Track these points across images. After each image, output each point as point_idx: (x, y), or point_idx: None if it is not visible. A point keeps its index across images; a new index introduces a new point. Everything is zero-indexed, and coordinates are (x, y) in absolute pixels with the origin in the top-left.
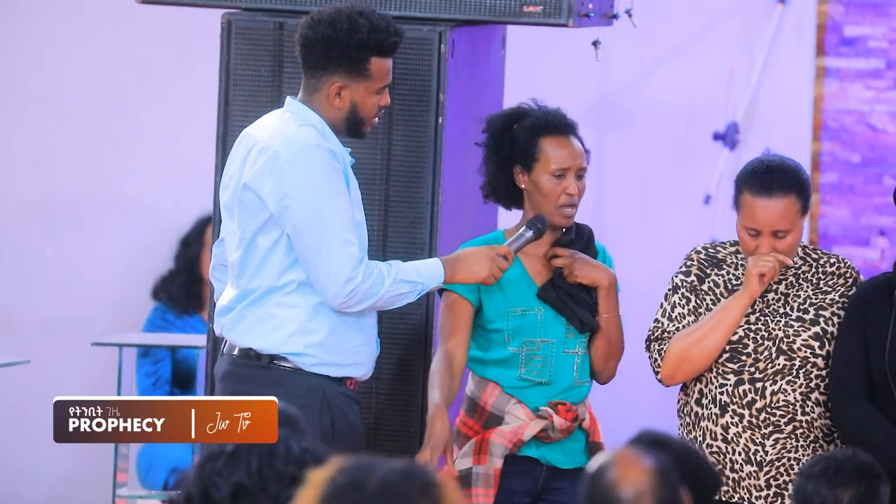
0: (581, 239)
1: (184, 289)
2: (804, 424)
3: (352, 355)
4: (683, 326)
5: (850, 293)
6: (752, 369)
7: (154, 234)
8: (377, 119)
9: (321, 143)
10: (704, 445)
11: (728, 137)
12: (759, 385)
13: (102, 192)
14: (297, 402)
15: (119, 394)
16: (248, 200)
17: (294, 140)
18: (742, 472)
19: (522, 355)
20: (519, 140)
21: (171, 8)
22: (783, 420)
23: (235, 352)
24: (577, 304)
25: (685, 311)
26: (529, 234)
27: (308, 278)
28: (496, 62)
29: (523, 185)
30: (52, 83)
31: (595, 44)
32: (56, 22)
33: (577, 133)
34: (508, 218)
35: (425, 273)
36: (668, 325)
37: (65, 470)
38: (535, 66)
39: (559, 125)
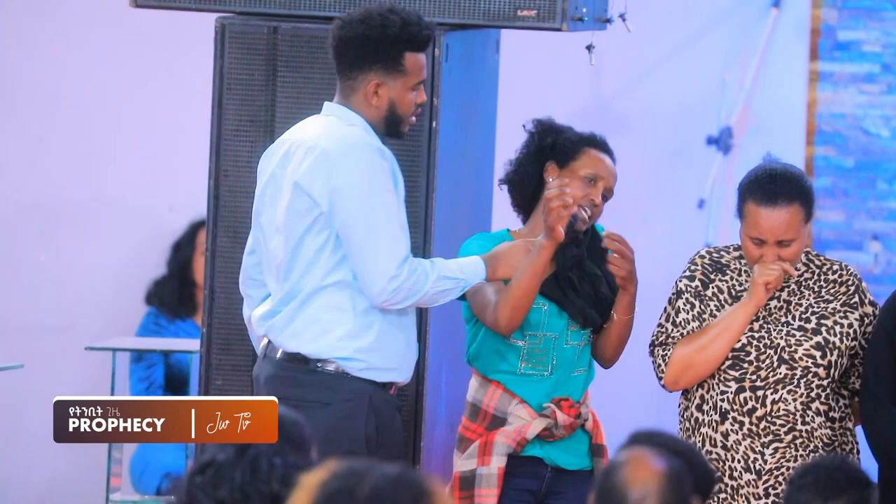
0: (586, 235)
1: (175, 293)
2: (804, 434)
3: (396, 360)
4: (687, 332)
5: (851, 301)
6: (754, 377)
7: (147, 238)
8: (415, 118)
9: (371, 142)
10: (704, 451)
11: (722, 142)
12: (759, 393)
13: (96, 196)
14: (344, 407)
15: None
16: (298, 200)
17: (343, 138)
18: (741, 479)
19: (524, 349)
20: (564, 141)
21: (165, 12)
22: (783, 429)
23: (279, 355)
24: (582, 298)
25: (689, 317)
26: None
27: (355, 278)
28: (490, 66)
29: (550, 179)
30: (46, 87)
31: (589, 48)
32: (49, 26)
33: (615, 160)
34: (503, 222)
35: (468, 270)
36: (673, 330)
37: (58, 474)
38: (530, 71)
39: (606, 145)
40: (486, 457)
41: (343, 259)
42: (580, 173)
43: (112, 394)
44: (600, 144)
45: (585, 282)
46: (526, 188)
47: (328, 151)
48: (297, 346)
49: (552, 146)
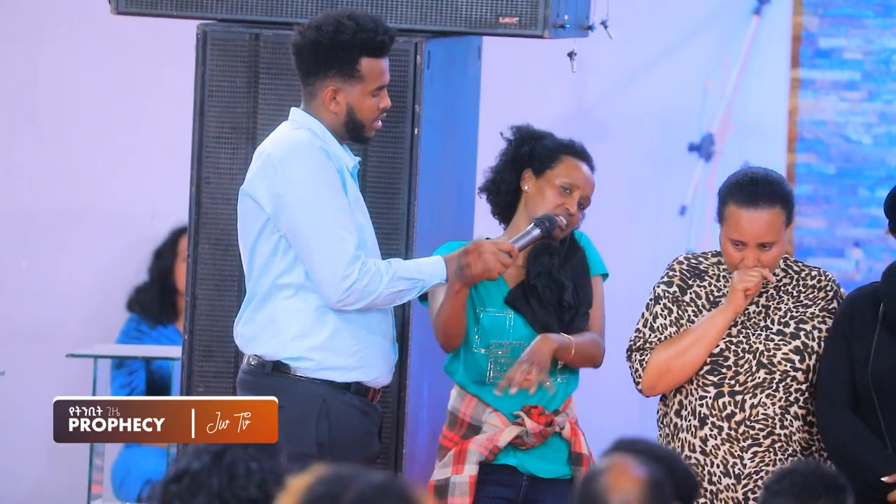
0: (563, 244)
1: (157, 300)
2: (783, 438)
3: (357, 358)
4: (665, 337)
5: (830, 306)
6: (732, 382)
7: (129, 245)
8: (380, 123)
9: (314, 143)
10: (683, 457)
11: (703, 149)
12: (738, 398)
13: (77, 203)
14: (296, 410)
15: None
16: (246, 206)
17: (287, 141)
18: (720, 484)
19: (491, 358)
20: (542, 147)
21: (147, 18)
22: (762, 433)
23: (247, 360)
24: (543, 308)
25: (667, 322)
26: (536, 231)
27: (308, 279)
28: (472, 73)
29: (526, 187)
30: (27, 94)
31: (571, 55)
32: (30, 32)
33: (593, 169)
34: (485, 228)
35: (426, 270)
36: (650, 335)
37: (40, 481)
38: (512, 77)
39: (584, 152)
40: (460, 465)
41: (296, 260)
42: (556, 182)
43: None
44: (578, 152)
45: (551, 290)
46: (503, 197)
47: (271, 156)
48: (255, 349)
49: (529, 154)
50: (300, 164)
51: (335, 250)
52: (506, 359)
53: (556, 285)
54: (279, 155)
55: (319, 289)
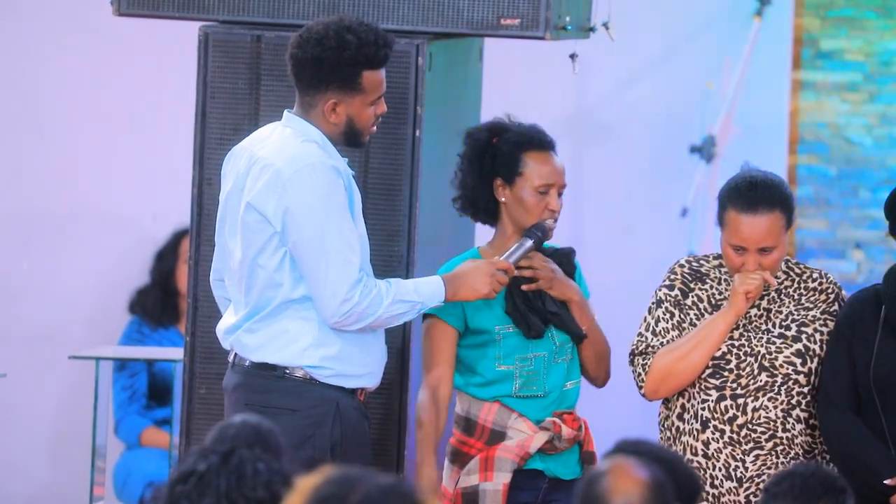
0: (556, 256)
1: (158, 302)
2: (785, 441)
3: (365, 365)
4: (667, 341)
5: (831, 309)
6: (734, 385)
7: (131, 246)
8: (375, 128)
9: (325, 161)
10: (685, 460)
11: (705, 151)
12: (740, 401)
13: (79, 204)
14: (312, 413)
15: (95, 407)
16: (252, 220)
17: (297, 157)
18: (722, 487)
19: (517, 372)
20: (502, 153)
21: (149, 20)
22: (764, 437)
23: (247, 364)
24: (529, 308)
25: (669, 326)
26: (529, 243)
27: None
28: (474, 75)
29: (503, 199)
30: (29, 95)
31: (572, 56)
32: (32, 33)
33: (555, 150)
34: (486, 230)
35: (425, 292)
36: (652, 339)
37: (41, 483)
38: (513, 79)
39: (542, 141)
40: (489, 472)
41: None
42: (530, 187)
43: (95, 402)
44: (538, 143)
45: (535, 294)
46: (482, 213)
47: (281, 171)
48: (264, 357)
49: (492, 161)
50: (311, 183)
51: (340, 273)
52: (532, 372)
53: (539, 292)
54: (289, 171)
55: (319, 307)
